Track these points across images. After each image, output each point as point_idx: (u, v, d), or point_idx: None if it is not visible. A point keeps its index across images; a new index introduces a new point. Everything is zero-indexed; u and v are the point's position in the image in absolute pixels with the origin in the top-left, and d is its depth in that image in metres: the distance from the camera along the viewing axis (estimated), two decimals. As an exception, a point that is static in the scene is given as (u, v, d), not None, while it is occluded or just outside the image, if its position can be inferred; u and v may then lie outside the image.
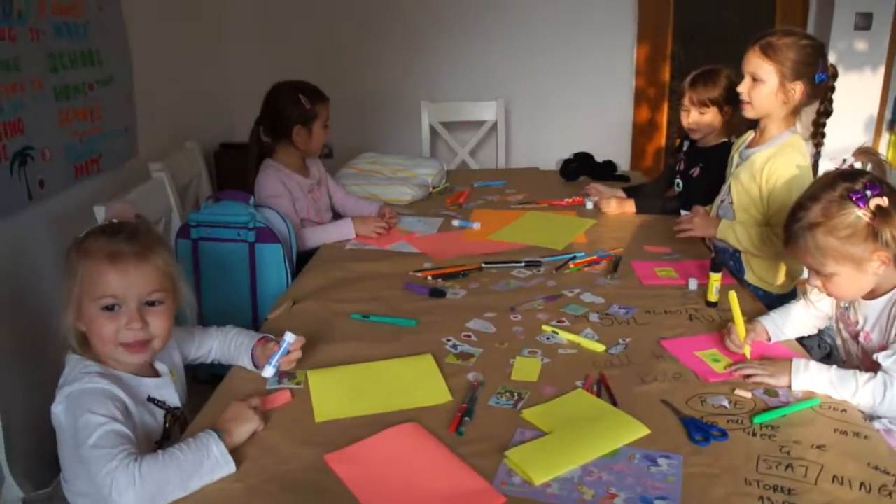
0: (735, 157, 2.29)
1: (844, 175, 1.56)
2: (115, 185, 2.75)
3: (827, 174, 1.62)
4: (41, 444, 2.17)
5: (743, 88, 2.14)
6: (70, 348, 1.43)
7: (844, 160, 1.63)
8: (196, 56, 3.90)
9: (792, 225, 1.59)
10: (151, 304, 1.42)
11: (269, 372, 1.57)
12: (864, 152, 1.67)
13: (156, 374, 1.50)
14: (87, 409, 1.30)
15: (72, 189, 2.62)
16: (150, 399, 1.47)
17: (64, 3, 2.59)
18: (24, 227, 2.36)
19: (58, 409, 1.36)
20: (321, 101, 2.65)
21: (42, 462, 2.20)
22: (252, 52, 4.26)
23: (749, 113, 2.17)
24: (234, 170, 3.75)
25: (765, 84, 2.09)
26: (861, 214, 1.50)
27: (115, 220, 1.45)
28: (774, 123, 2.16)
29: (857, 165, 1.62)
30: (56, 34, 2.56)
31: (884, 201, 1.50)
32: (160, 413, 1.48)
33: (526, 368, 1.64)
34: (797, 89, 2.08)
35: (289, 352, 1.58)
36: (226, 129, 4.17)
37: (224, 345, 1.69)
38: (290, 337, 1.57)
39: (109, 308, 1.39)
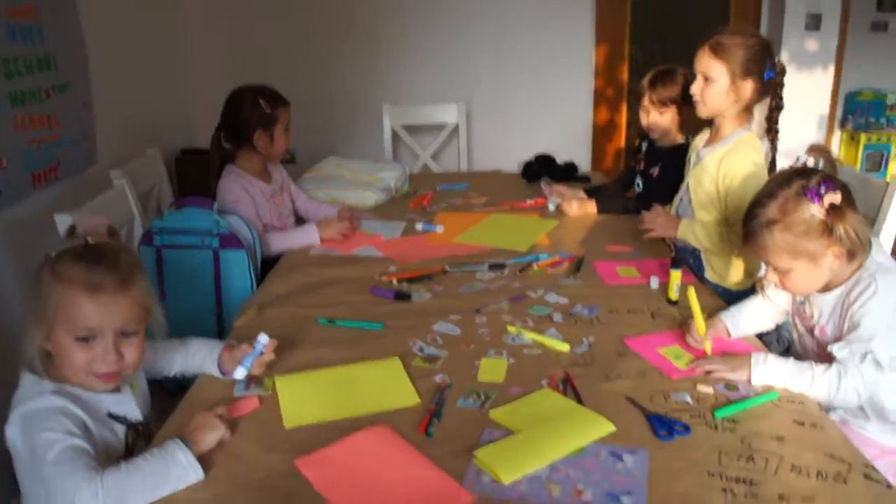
0: (692, 157, 2.34)
1: (799, 172, 1.60)
2: (74, 193, 2.72)
3: (782, 172, 1.66)
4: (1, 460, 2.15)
5: (695, 88, 2.18)
6: (27, 366, 1.39)
7: (798, 158, 1.68)
8: (155, 61, 3.87)
9: (749, 221, 1.62)
10: (126, 334, 1.40)
11: (240, 374, 1.57)
12: (816, 150, 1.72)
13: (115, 388, 1.46)
14: (43, 427, 1.27)
15: (30, 197, 2.59)
16: (111, 415, 1.43)
17: (17, 5, 2.54)
18: (-19, 237, 2.33)
19: (12, 431, 1.32)
20: (281, 105, 2.63)
21: (2, 478, 2.16)
22: (211, 57, 4.23)
23: (702, 112, 2.21)
24: (195, 176, 3.71)
25: (716, 83, 2.13)
26: (815, 211, 1.54)
27: (90, 241, 1.40)
28: (728, 122, 2.21)
29: (811, 163, 1.67)
30: (10, 37, 2.51)
31: (837, 198, 1.54)
32: (121, 429, 1.45)
33: (492, 369, 1.66)
34: (748, 87, 2.13)
35: (262, 354, 1.58)
36: (186, 135, 4.14)
37: (186, 357, 1.67)
38: (263, 339, 1.58)
39: (84, 339, 1.36)
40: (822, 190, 1.54)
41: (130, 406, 1.49)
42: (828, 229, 1.55)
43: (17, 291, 2.43)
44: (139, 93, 3.57)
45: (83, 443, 1.28)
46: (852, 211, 1.57)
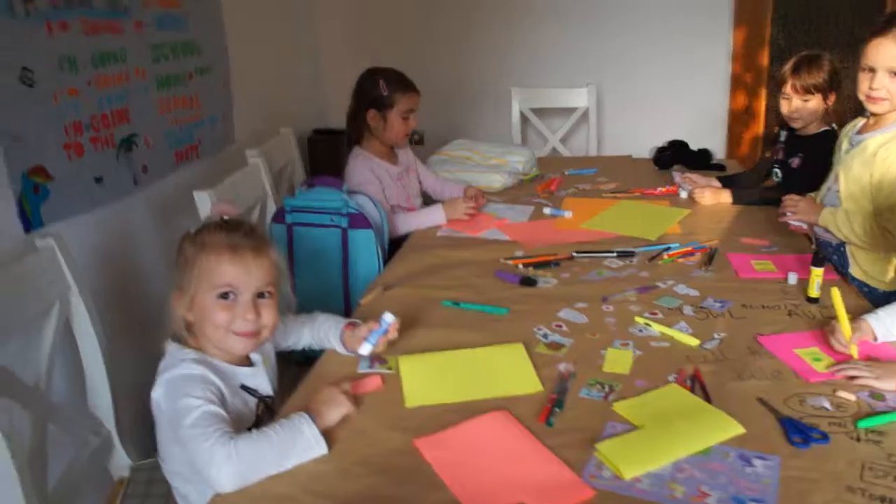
0: (844, 143, 2.20)
1: None
2: (213, 171, 2.84)
3: None
4: (147, 417, 2.28)
5: (879, 84, 1.99)
6: (171, 335, 1.49)
7: None
8: (290, 44, 3.99)
9: None
10: (262, 296, 1.48)
11: (366, 349, 1.60)
12: None
13: (249, 363, 1.55)
14: (184, 392, 1.35)
15: (172, 174, 2.73)
16: (244, 387, 1.51)
17: (165, -5, 2.68)
18: (129, 211, 2.47)
19: (157, 394, 1.42)
20: (404, 90, 2.64)
21: (148, 434, 2.31)
22: (344, 40, 4.32)
23: (881, 108, 2.04)
24: (326, 155, 3.83)
25: None
26: None
27: (226, 217, 1.52)
28: (893, 111, 2.05)
29: None
30: (158, 26, 2.65)
31: None
32: (252, 401, 1.52)
33: (618, 360, 1.62)
34: None
35: (387, 332, 1.61)
36: (319, 116, 4.25)
37: (314, 331, 1.73)
38: (389, 317, 1.61)
39: (225, 296, 1.44)
40: None
41: (262, 380, 1.55)
42: None
43: (161, 263, 2.57)
44: (274, 75, 3.70)
45: (220, 409, 1.34)
46: None
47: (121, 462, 1.88)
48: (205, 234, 1.46)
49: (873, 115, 2.11)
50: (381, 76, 2.63)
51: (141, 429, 2.26)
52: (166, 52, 2.70)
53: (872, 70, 2.00)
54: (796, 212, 2.21)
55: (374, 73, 2.66)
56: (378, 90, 2.61)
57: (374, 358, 1.64)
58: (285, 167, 3.04)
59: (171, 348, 1.47)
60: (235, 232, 1.47)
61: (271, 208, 2.61)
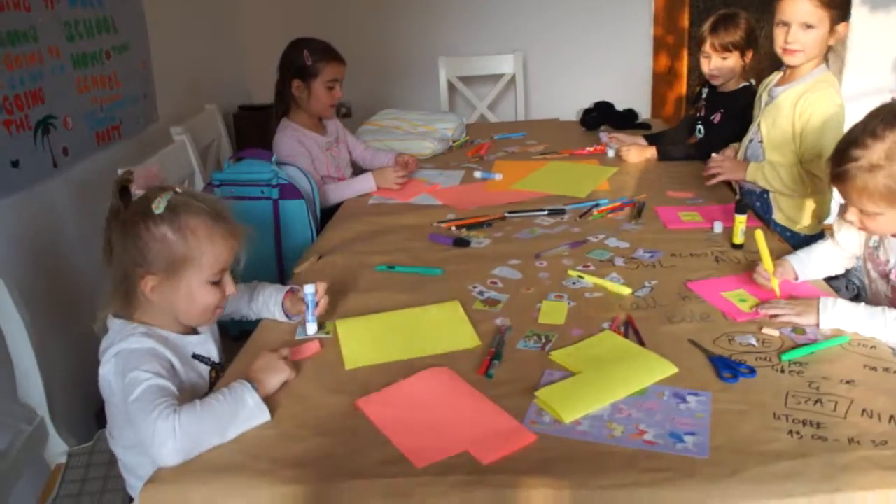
0: (763, 97, 2.26)
1: None
2: (136, 151, 2.77)
3: (887, 108, 1.53)
4: (80, 400, 2.24)
5: (794, 37, 2.06)
6: (112, 312, 1.47)
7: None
8: (211, 19, 3.90)
9: (846, 163, 1.51)
10: (226, 270, 1.51)
11: (311, 329, 1.58)
12: None
13: (194, 331, 1.54)
14: (133, 366, 1.33)
15: (94, 156, 2.65)
16: (195, 356, 1.51)
17: (76, -30, 2.58)
18: (50, 194, 2.39)
19: (105, 370, 1.40)
20: (328, 59, 2.62)
21: (83, 418, 2.26)
22: (268, 14, 4.24)
23: (795, 61, 2.10)
24: (253, 131, 3.76)
25: (817, 30, 2.03)
26: None
27: (197, 194, 1.50)
28: (808, 63, 2.12)
29: None
30: (71, 3, 2.55)
31: None
32: (205, 370, 1.52)
33: (553, 312, 1.65)
34: (842, 30, 2.04)
35: (317, 303, 1.60)
36: (243, 92, 4.17)
37: (254, 301, 1.71)
38: (309, 288, 1.58)
39: (216, 282, 1.47)
40: None
41: (211, 346, 1.56)
42: None
43: (85, 246, 2.50)
44: (197, 51, 3.61)
45: (168, 383, 1.33)
46: None
47: (56, 449, 1.84)
48: (184, 216, 1.42)
49: (789, 68, 2.17)
50: (306, 46, 2.60)
51: (75, 413, 2.22)
52: (81, 31, 2.61)
53: (787, 24, 2.07)
54: (723, 171, 2.27)
55: (298, 43, 2.64)
56: (302, 59, 2.58)
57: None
58: (211, 144, 2.99)
59: (115, 324, 1.45)
60: (220, 217, 1.46)
61: (199, 185, 2.57)
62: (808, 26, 2.05)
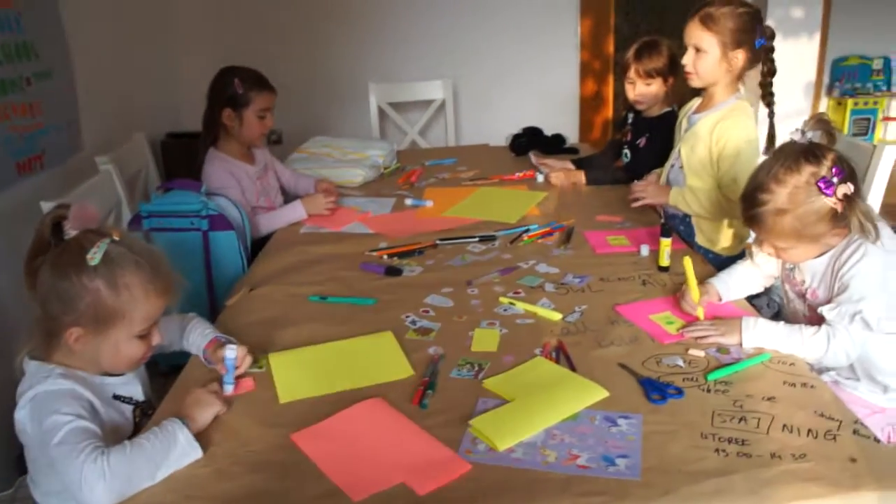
0: (683, 123, 2.34)
1: (807, 155, 1.56)
2: (60, 181, 2.70)
3: (787, 150, 1.61)
4: (1, 446, 2.15)
5: (687, 60, 2.18)
6: (29, 354, 1.42)
7: (801, 131, 1.62)
8: (139, 45, 3.83)
9: (755, 207, 1.59)
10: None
11: (228, 390, 1.50)
12: (817, 120, 1.65)
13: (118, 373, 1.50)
14: (52, 410, 1.29)
15: (15, 187, 2.56)
16: (116, 397, 1.47)
17: (-8, -7, 2.51)
18: (-32, 226, 2.31)
19: (21, 415, 1.35)
20: (259, 88, 2.61)
21: (4, 464, 2.17)
22: (198, 40, 4.20)
23: (695, 83, 2.21)
24: (182, 159, 3.70)
25: (708, 54, 2.13)
26: (828, 202, 1.53)
27: (134, 245, 1.44)
28: (720, 90, 2.21)
29: (811, 134, 1.62)
30: (-13, 26, 2.49)
31: (849, 188, 1.52)
32: (128, 409, 1.48)
33: (485, 340, 1.67)
34: (739, 56, 2.13)
35: (237, 366, 1.53)
36: (172, 119, 4.11)
37: (185, 337, 1.67)
38: (230, 353, 1.51)
39: (143, 336, 1.44)
40: (835, 180, 1.52)
41: (135, 387, 1.52)
42: (836, 216, 1.54)
43: (2, 280, 2.42)
44: (124, 78, 3.54)
45: (90, 424, 1.29)
46: (859, 195, 1.55)
47: (-25, 498, 1.77)
48: (120, 271, 1.37)
49: (707, 94, 2.26)
50: (236, 75, 2.58)
51: (-2, 457, 2.14)
52: (-1, 56, 2.54)
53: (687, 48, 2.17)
54: (646, 196, 2.34)
55: (228, 71, 2.62)
56: (233, 88, 2.56)
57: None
58: (139, 173, 2.93)
59: (31, 367, 1.40)
60: (157, 272, 1.43)
61: (126, 216, 2.51)
62: (698, 50, 2.14)
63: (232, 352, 1.51)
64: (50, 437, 1.25)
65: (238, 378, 1.53)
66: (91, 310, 1.36)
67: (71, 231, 1.39)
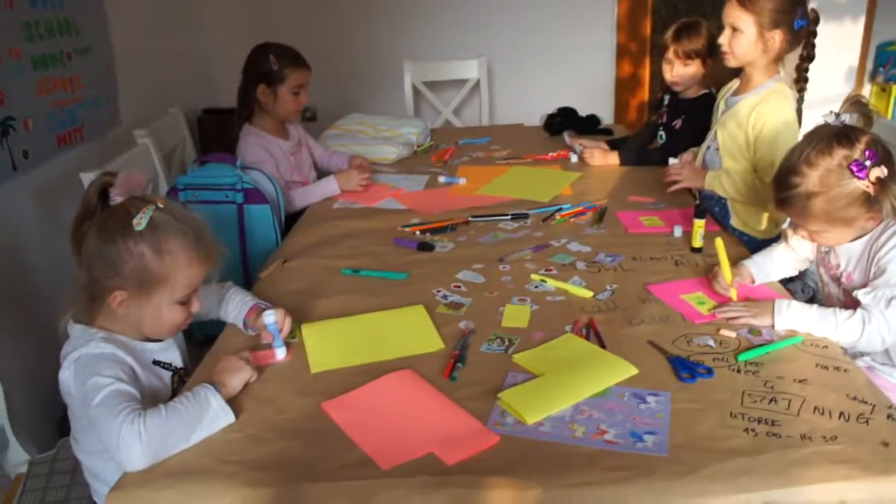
0: (721, 105, 2.32)
1: (840, 138, 1.54)
2: (98, 154, 2.75)
3: (820, 133, 1.59)
4: (41, 408, 2.22)
5: (723, 39, 2.16)
6: (73, 318, 1.46)
7: (834, 113, 1.60)
8: (176, 22, 3.88)
9: (787, 190, 1.58)
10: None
11: (281, 354, 1.54)
12: (852, 103, 1.63)
13: (157, 338, 1.54)
14: (94, 372, 1.33)
15: (55, 159, 2.62)
16: (156, 362, 1.51)
17: (37, -29, 2.56)
18: (9, 198, 2.37)
19: (65, 375, 1.39)
20: (294, 65, 2.62)
21: (44, 426, 2.24)
22: (233, 17, 4.23)
23: (731, 62, 2.19)
24: (217, 135, 3.74)
25: (744, 34, 2.11)
26: (860, 185, 1.51)
27: (178, 213, 1.47)
28: (758, 72, 2.18)
29: (845, 117, 1.60)
30: (31, 3, 2.53)
31: (883, 171, 1.50)
32: (167, 375, 1.52)
33: (515, 315, 1.67)
34: (776, 37, 2.09)
35: (280, 329, 1.57)
36: (208, 95, 4.15)
37: (222, 306, 1.71)
38: (270, 318, 1.54)
39: (185, 302, 1.48)
40: (868, 163, 1.50)
41: (174, 353, 1.55)
42: (869, 200, 1.53)
43: (46, 249, 2.48)
44: (161, 54, 3.59)
45: (130, 387, 1.33)
46: (893, 179, 1.52)
47: (17, 458, 1.82)
48: (165, 237, 1.41)
49: (745, 76, 2.23)
50: (272, 51, 2.60)
51: (36, 421, 2.20)
52: (41, 32, 2.58)
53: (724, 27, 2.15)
54: (682, 179, 2.32)
55: (264, 48, 2.64)
56: (268, 65, 2.58)
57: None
58: (175, 148, 2.97)
59: (76, 330, 1.44)
60: (200, 240, 1.46)
61: (163, 189, 2.55)
62: (735, 29, 2.12)
63: (270, 316, 1.54)
64: (91, 397, 1.29)
65: (257, 350, 1.55)
66: (135, 273, 1.40)
67: (117, 198, 1.43)
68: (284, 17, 4.19)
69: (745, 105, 2.18)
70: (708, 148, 2.33)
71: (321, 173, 2.86)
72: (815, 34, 2.14)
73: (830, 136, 1.56)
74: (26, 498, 1.70)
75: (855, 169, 1.51)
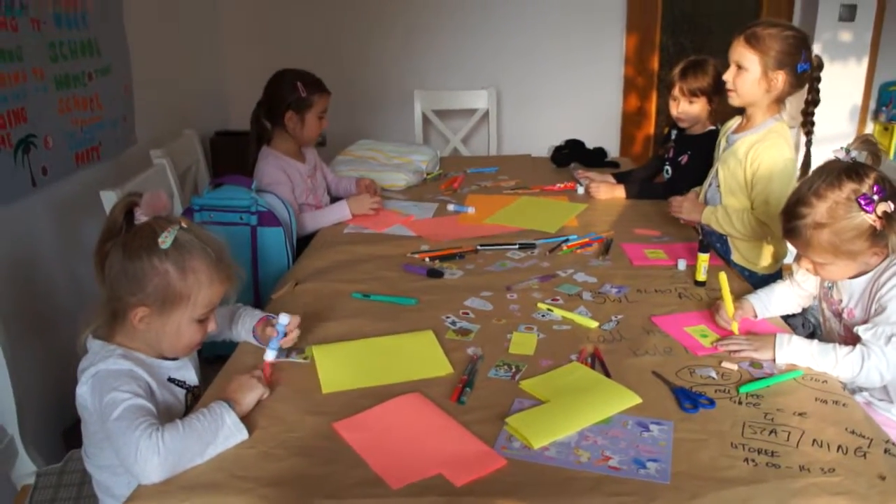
0: (722, 142, 2.37)
1: (849, 173, 1.58)
2: (115, 173, 2.81)
3: (830, 167, 1.63)
4: (50, 420, 2.25)
5: (728, 76, 2.21)
6: (93, 333, 1.49)
7: (845, 149, 1.65)
8: (192, 46, 3.95)
9: (794, 220, 1.62)
10: None
11: (270, 356, 1.58)
12: (863, 141, 1.68)
13: (173, 357, 1.57)
14: (112, 387, 1.36)
15: (73, 176, 2.68)
16: (171, 380, 1.54)
17: (64, -7, 2.63)
18: (28, 213, 2.42)
19: (83, 390, 1.42)
20: (319, 92, 2.69)
21: (52, 438, 2.26)
22: (247, 42, 4.31)
23: (734, 101, 2.24)
24: (229, 157, 3.81)
25: (748, 72, 2.16)
26: (868, 219, 1.55)
27: (201, 234, 1.51)
28: (759, 111, 2.23)
29: (855, 154, 1.65)
30: (56, 24, 2.60)
31: (890, 207, 1.54)
32: (181, 392, 1.55)
33: (523, 343, 1.71)
34: (779, 78, 2.15)
35: (286, 333, 1.61)
36: (221, 118, 4.22)
37: (233, 326, 1.75)
38: (284, 319, 1.59)
39: (202, 320, 1.52)
40: (876, 198, 1.54)
41: (188, 371, 1.59)
42: (876, 234, 1.56)
43: (60, 264, 2.52)
44: (177, 77, 3.66)
45: (147, 402, 1.36)
46: None
47: (25, 469, 1.85)
48: (189, 256, 1.46)
49: (747, 115, 2.29)
50: (298, 78, 2.66)
51: (44, 432, 2.23)
52: (65, 52, 2.65)
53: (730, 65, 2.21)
54: (681, 212, 2.37)
55: (286, 74, 2.69)
56: (297, 92, 2.63)
57: (290, 349, 1.67)
58: (189, 168, 3.02)
59: (95, 345, 1.48)
60: (222, 261, 1.51)
61: (178, 209, 2.60)
62: (740, 67, 2.17)
63: (285, 317, 1.59)
64: (109, 412, 1.32)
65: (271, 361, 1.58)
66: (159, 290, 1.44)
67: (142, 217, 1.47)
68: (297, 44, 4.27)
69: (744, 143, 2.23)
70: (710, 185, 2.38)
71: (332, 198, 2.91)
72: (819, 80, 2.20)
73: (840, 171, 1.60)
74: (33, 509, 1.73)
75: (863, 202, 1.55)
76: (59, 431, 2.29)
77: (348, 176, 3.01)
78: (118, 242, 1.46)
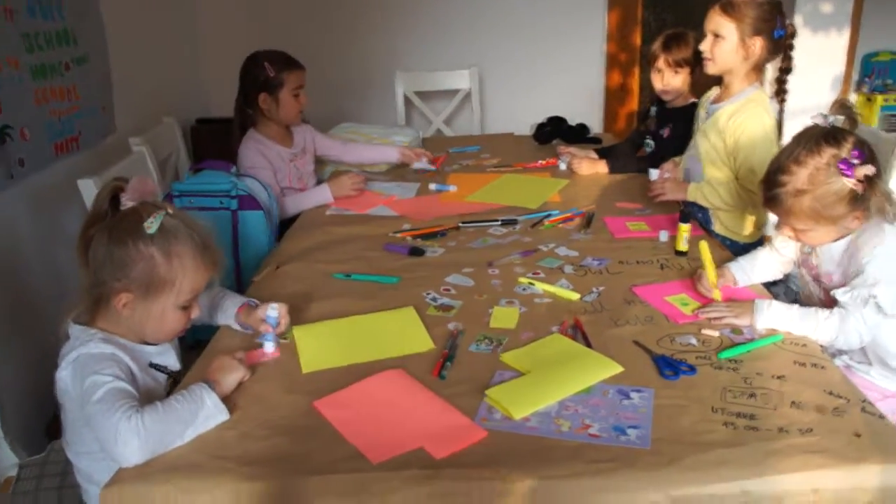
0: (701, 113, 2.37)
1: (828, 138, 1.59)
2: (94, 162, 2.78)
3: (808, 133, 1.63)
4: (32, 412, 2.24)
5: (705, 46, 2.21)
6: (73, 319, 1.49)
7: (822, 115, 1.65)
8: (171, 33, 3.92)
9: (775, 188, 1.62)
10: None
11: (270, 348, 1.58)
12: (839, 105, 1.68)
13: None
14: (93, 370, 1.36)
15: (52, 167, 2.65)
16: (152, 365, 1.54)
17: (36, -19, 2.59)
18: (5, 206, 2.39)
19: (63, 374, 1.42)
20: (289, 68, 2.66)
21: (34, 430, 2.26)
22: (226, 28, 4.26)
23: (711, 69, 2.24)
24: (210, 144, 3.78)
25: (725, 40, 2.16)
26: (848, 183, 1.55)
27: (187, 219, 1.50)
28: (737, 79, 2.23)
29: (833, 119, 1.65)
30: (30, 14, 2.57)
31: (870, 170, 1.55)
32: (162, 377, 1.55)
33: (504, 317, 1.71)
34: (756, 45, 2.15)
35: (278, 323, 1.62)
36: (201, 105, 4.19)
37: (214, 310, 1.74)
38: (273, 311, 1.59)
39: (186, 307, 1.51)
40: (856, 161, 1.55)
41: (170, 357, 1.59)
42: (857, 198, 1.57)
43: (39, 256, 2.51)
44: (155, 64, 3.63)
45: (128, 386, 1.36)
46: (880, 178, 1.58)
47: (7, 461, 1.84)
48: (174, 241, 1.45)
49: (725, 84, 2.28)
50: (265, 58, 2.64)
51: (26, 425, 2.22)
52: (41, 42, 2.62)
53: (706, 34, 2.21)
54: (665, 192, 2.37)
55: (256, 56, 2.68)
56: (265, 73, 2.62)
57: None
58: (169, 156, 3.00)
59: (75, 330, 1.47)
60: (207, 247, 1.50)
61: (158, 196, 2.58)
62: (717, 35, 2.17)
63: (274, 310, 1.59)
64: (90, 394, 1.32)
65: (251, 350, 1.59)
66: (144, 275, 1.43)
67: (128, 202, 1.46)
68: (277, 29, 4.23)
69: (724, 114, 2.23)
70: (690, 156, 2.38)
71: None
72: (792, 47, 2.20)
73: (819, 136, 1.60)
74: (16, 501, 1.71)
75: (843, 167, 1.55)
76: (43, 424, 2.28)
77: (354, 142, 3.02)
78: (103, 227, 1.45)
